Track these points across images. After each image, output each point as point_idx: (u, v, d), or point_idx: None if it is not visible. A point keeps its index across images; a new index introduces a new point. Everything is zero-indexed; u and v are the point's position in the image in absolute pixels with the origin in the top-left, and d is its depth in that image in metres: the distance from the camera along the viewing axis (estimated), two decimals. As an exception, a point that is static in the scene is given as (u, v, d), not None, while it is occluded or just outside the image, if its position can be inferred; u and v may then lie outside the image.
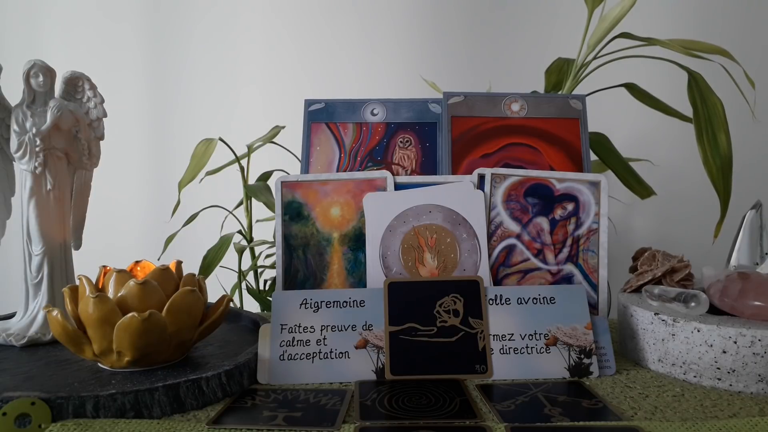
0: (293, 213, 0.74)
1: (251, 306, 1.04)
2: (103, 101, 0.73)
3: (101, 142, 0.75)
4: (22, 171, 0.68)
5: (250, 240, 1.10)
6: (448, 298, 0.64)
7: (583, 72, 0.97)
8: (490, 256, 0.71)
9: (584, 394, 0.55)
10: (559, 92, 1.00)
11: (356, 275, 0.73)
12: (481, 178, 0.73)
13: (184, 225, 1.08)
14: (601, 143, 0.97)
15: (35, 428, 0.47)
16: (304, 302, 0.64)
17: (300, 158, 0.80)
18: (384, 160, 0.79)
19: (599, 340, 0.63)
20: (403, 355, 0.61)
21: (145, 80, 1.49)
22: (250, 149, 1.07)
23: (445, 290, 0.65)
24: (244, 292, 1.09)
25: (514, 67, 1.36)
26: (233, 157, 1.08)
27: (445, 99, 0.80)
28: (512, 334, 0.62)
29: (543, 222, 0.72)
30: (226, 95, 1.47)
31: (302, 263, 0.73)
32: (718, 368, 0.57)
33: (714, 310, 0.62)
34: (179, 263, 0.64)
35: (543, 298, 0.65)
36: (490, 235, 0.72)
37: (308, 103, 0.81)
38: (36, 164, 0.67)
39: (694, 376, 0.59)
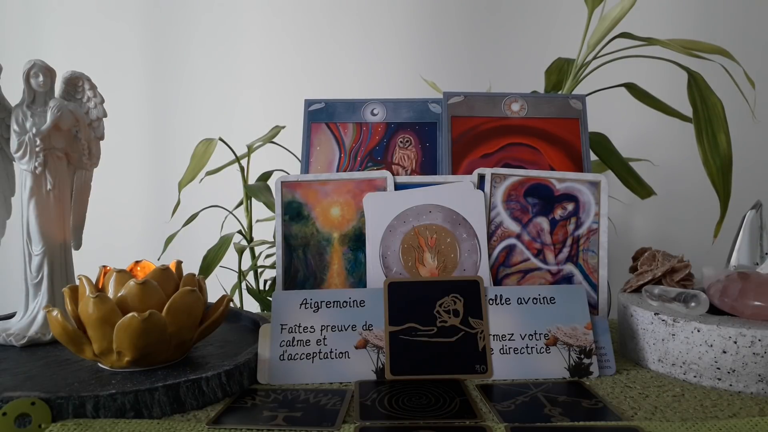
0: (293, 213, 0.74)
1: (251, 306, 1.04)
2: (103, 101, 0.73)
3: (101, 142, 0.75)
4: (22, 171, 0.68)
5: (250, 240, 1.10)
6: (448, 298, 0.64)
7: (583, 72, 0.97)
8: (490, 256, 0.71)
9: (584, 394, 0.55)
10: (559, 92, 1.00)
11: (356, 275, 0.72)
12: (481, 178, 0.73)
13: (184, 225, 1.08)
14: (601, 143, 0.97)
15: (35, 428, 0.47)
16: (304, 302, 0.64)
17: (300, 158, 0.80)
18: (384, 160, 0.79)
19: (599, 340, 0.63)
20: (403, 355, 0.61)
21: (146, 80, 1.49)
22: (250, 149, 1.07)
23: (445, 290, 0.65)
24: (244, 292, 1.09)
25: (514, 67, 1.36)
26: (233, 157, 1.08)
27: (445, 99, 0.80)
28: (512, 334, 0.62)
29: (543, 222, 0.72)
30: (226, 95, 1.47)
31: (302, 263, 0.73)
32: (718, 368, 0.57)
33: (714, 310, 0.62)
34: (179, 263, 0.64)
35: (543, 298, 0.65)
36: (490, 235, 0.72)
37: (308, 103, 0.81)
38: (36, 164, 0.67)
39: (694, 376, 0.59)
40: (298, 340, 0.62)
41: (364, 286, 0.71)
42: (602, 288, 0.71)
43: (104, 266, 0.61)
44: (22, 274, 0.69)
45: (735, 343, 0.56)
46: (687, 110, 0.88)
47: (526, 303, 0.64)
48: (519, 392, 0.56)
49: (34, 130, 0.67)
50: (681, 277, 0.70)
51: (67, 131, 0.70)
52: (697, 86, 0.86)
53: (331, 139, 0.80)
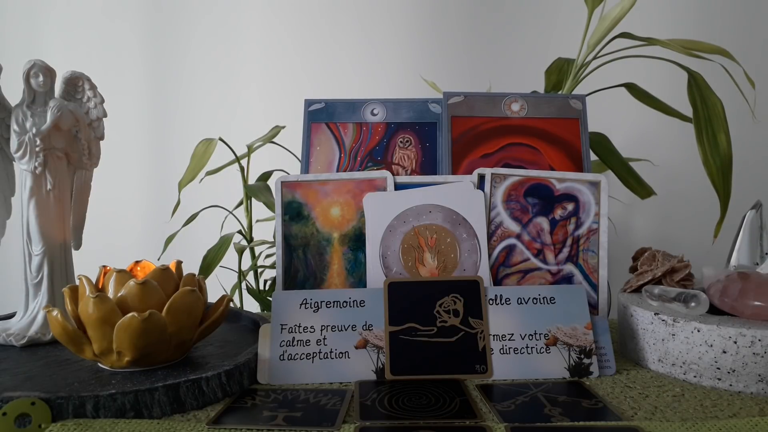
0: (293, 213, 0.74)
1: (251, 306, 1.04)
2: (103, 101, 0.73)
3: (101, 142, 0.75)
4: (22, 171, 0.68)
5: (250, 240, 1.10)
6: (448, 298, 0.64)
7: (583, 72, 0.96)
8: (490, 256, 0.71)
9: (584, 394, 0.55)
10: (559, 92, 1.00)
11: (356, 275, 0.73)
12: (481, 178, 0.73)
13: (184, 225, 1.08)
14: (601, 143, 0.97)
15: (35, 428, 0.47)
16: (304, 302, 0.64)
17: (300, 158, 0.80)
18: (384, 160, 0.79)
19: (599, 340, 0.63)
20: (403, 355, 0.61)
21: (146, 80, 1.49)
22: (250, 149, 1.07)
23: (445, 290, 0.65)
24: (244, 292, 1.09)
25: (514, 67, 1.36)
26: (233, 157, 1.08)
27: (445, 99, 0.80)
28: (512, 334, 0.62)
29: (543, 222, 0.72)
30: (226, 95, 1.47)
31: (302, 263, 0.73)
32: (718, 368, 0.57)
33: (714, 310, 0.62)
34: (179, 263, 0.64)
35: (543, 298, 0.65)
36: (490, 235, 0.72)
37: (308, 103, 0.81)
38: (36, 164, 0.67)
39: (694, 376, 0.59)
40: (298, 340, 0.62)
41: (364, 286, 0.71)
42: (602, 288, 0.71)
43: (104, 266, 0.61)
44: (22, 274, 0.69)
45: (735, 343, 0.56)
46: (687, 110, 0.88)
47: (526, 303, 0.64)
48: (519, 392, 0.56)
49: (34, 130, 0.67)
50: (681, 277, 0.70)
51: (67, 131, 0.70)
52: (697, 86, 0.86)
53: (331, 139, 0.80)
